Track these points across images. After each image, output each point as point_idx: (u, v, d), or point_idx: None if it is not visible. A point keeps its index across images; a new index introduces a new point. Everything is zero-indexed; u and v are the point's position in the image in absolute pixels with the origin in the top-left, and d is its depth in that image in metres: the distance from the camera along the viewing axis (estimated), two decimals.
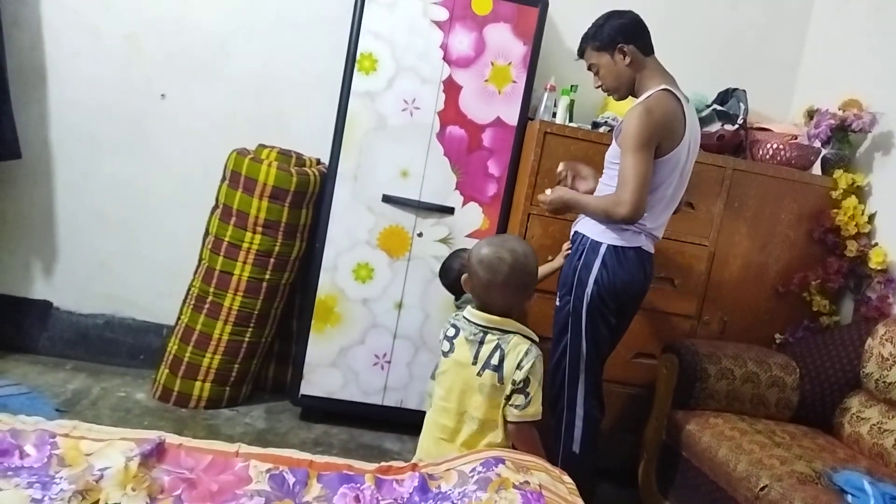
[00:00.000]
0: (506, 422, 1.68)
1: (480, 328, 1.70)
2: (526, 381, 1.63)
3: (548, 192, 2.22)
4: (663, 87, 2.03)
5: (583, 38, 2.16)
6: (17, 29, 2.85)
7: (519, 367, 1.64)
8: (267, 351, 2.98)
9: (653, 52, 2.12)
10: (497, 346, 1.67)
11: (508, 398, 1.66)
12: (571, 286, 2.09)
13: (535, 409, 1.63)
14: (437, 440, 1.77)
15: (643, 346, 2.67)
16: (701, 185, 2.63)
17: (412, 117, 2.70)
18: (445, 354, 1.76)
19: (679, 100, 2.03)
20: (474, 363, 1.68)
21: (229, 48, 2.99)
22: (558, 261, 2.30)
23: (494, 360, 1.65)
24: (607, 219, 2.03)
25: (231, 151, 2.83)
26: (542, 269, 2.22)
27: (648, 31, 2.11)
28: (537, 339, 1.76)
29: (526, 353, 1.64)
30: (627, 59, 2.07)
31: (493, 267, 1.70)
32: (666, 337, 2.63)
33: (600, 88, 2.19)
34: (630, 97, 2.14)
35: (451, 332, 1.76)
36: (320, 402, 2.82)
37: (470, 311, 1.75)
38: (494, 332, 1.69)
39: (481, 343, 1.68)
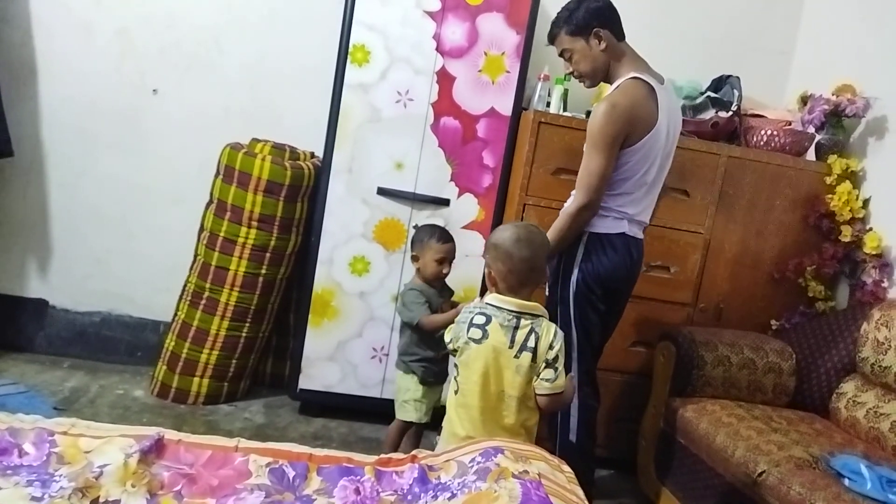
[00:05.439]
0: (536, 395, 1.80)
1: (514, 314, 1.79)
2: (556, 357, 1.76)
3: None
4: (633, 74, 2.02)
5: (553, 23, 2.13)
6: (7, 25, 2.83)
7: (551, 346, 1.76)
8: (264, 346, 2.98)
9: (624, 37, 2.10)
10: (531, 330, 1.77)
11: (539, 374, 1.79)
12: (557, 276, 2.11)
13: (562, 381, 1.77)
14: (473, 420, 1.80)
15: (640, 335, 2.68)
16: (695, 173, 2.64)
17: (406, 109, 2.69)
18: (478, 342, 1.81)
19: (651, 85, 2.01)
20: (511, 346, 1.78)
21: (221, 42, 2.97)
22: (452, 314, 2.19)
23: (531, 343, 1.76)
24: (576, 223, 2.02)
25: (224, 146, 2.82)
26: (439, 318, 2.19)
27: (619, 16, 2.09)
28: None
29: (555, 335, 1.78)
30: (603, 44, 2.05)
31: (532, 239, 1.79)
32: (662, 325, 2.63)
33: (572, 75, 2.17)
34: (603, 84, 2.13)
35: (481, 319, 1.82)
36: (319, 396, 2.82)
37: (497, 298, 1.82)
38: (527, 316, 1.79)
39: (516, 328, 1.78)
